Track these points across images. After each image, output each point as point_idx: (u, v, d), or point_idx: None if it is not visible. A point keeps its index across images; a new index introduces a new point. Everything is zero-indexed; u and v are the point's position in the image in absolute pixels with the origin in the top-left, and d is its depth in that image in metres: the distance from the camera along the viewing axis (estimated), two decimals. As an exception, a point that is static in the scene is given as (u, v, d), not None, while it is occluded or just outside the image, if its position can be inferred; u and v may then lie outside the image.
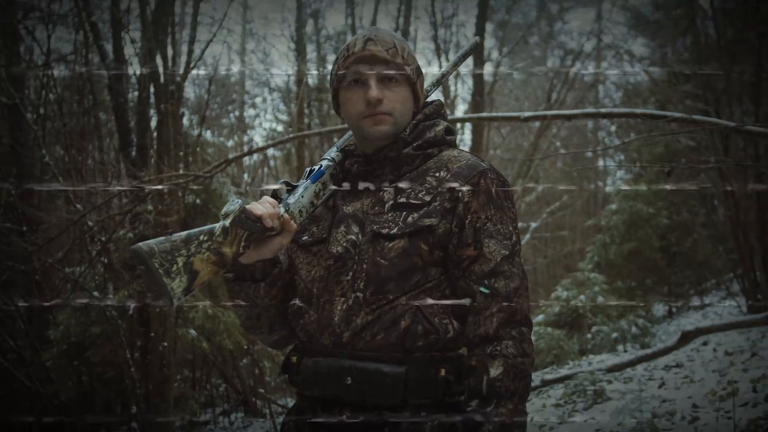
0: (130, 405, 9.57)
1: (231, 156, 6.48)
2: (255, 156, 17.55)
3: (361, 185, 2.11)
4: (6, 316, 9.67)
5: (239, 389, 11.26)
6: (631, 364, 7.96)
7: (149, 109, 10.08)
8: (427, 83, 2.37)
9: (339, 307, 2.00)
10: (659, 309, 15.37)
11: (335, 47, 16.06)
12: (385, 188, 2.07)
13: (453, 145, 2.19)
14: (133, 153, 10.44)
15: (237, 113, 21.10)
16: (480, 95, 13.87)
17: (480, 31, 13.72)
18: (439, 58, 16.56)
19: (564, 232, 20.97)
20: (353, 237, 2.04)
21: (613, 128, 20.48)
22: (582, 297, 12.00)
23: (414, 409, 1.95)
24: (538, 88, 20.89)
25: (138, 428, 8.84)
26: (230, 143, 18.96)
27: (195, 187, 8.53)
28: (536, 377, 8.27)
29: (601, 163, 18.54)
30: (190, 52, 9.99)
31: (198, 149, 10.93)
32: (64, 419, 9.03)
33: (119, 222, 7.50)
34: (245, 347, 10.17)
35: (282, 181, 2.11)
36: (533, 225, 19.83)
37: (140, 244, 1.83)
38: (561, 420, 6.29)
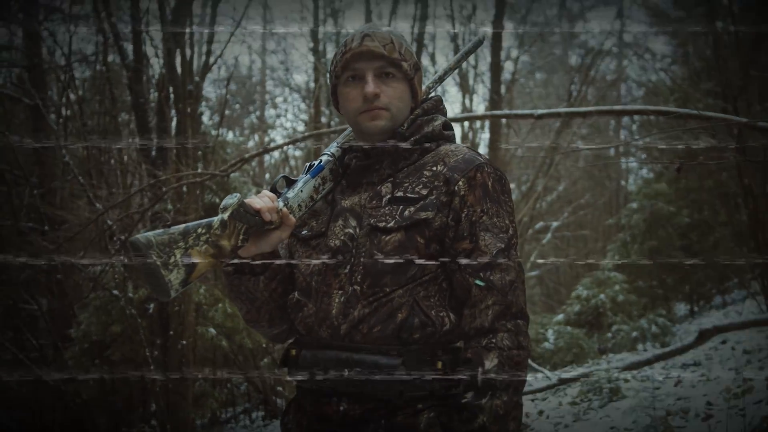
0: (149, 403, 9.64)
1: (247, 155, 6.51)
2: (276, 155, 17.61)
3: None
4: (29, 315, 9.78)
5: (260, 388, 11.31)
6: (649, 362, 7.94)
7: (169, 109, 10.14)
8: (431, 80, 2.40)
9: (337, 300, 2.02)
10: (680, 308, 15.29)
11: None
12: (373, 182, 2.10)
13: (451, 139, 2.20)
14: (153, 153, 10.51)
15: (258, 113, 21.18)
16: (497, 93, 13.85)
17: (497, 30, 13.71)
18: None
19: (586, 231, 20.87)
20: (351, 231, 2.06)
21: (634, 127, 20.39)
22: (602, 296, 11.96)
23: (411, 401, 1.97)
24: (559, 87, 20.85)
25: (158, 426, 8.90)
26: (251, 143, 19.04)
27: (212, 186, 8.60)
28: (554, 376, 8.27)
29: (613, 160, 18.40)
30: (209, 52, 10.05)
31: (218, 149, 10.99)
32: (86, 416, 9.12)
33: (138, 220, 7.57)
34: (264, 346, 10.22)
35: (281, 175, 2.14)
36: (555, 224, 19.74)
37: (138, 236, 1.85)
38: (576, 418, 6.30)
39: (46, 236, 9.19)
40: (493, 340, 1.92)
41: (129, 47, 10.69)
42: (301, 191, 2.10)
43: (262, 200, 2.00)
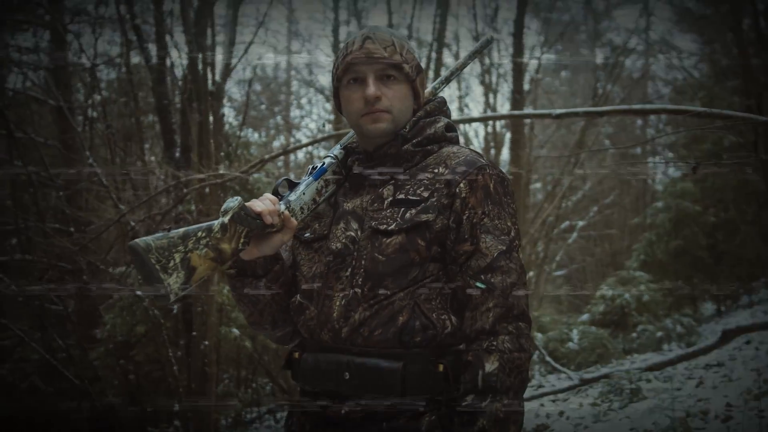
0: (172, 403, 9.69)
1: (267, 156, 6.55)
2: (300, 155, 17.65)
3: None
4: (55, 316, 9.87)
5: (285, 388, 11.33)
6: (672, 363, 7.89)
7: (191, 111, 10.17)
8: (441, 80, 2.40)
9: (338, 303, 2.02)
10: (708, 308, 15.17)
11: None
12: (375, 177, 2.11)
13: (454, 141, 2.20)
14: (177, 154, 10.55)
15: (283, 114, 21.21)
16: (519, 92, 13.79)
17: (519, 29, 13.65)
18: (481, 58, 16.32)
19: (612, 231, 20.75)
20: (352, 233, 2.06)
21: (661, 125, 20.23)
22: (627, 296, 11.89)
23: (413, 404, 1.96)
24: (585, 85, 20.70)
25: (181, 426, 8.94)
26: (276, 143, 19.08)
27: (235, 186, 8.63)
28: (576, 376, 8.24)
29: (640, 161, 18.25)
30: (229, 53, 10.06)
31: (242, 150, 11.02)
32: (111, 417, 9.19)
33: (160, 222, 7.61)
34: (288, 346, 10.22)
35: (284, 178, 2.14)
36: (580, 223, 19.64)
37: (137, 240, 1.86)
38: (596, 419, 6.27)
39: (71, 237, 9.27)
40: (494, 343, 1.92)
41: (153, 49, 10.75)
42: (303, 194, 2.10)
43: (263, 203, 2.00)
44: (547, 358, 9.50)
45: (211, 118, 9.04)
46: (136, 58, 11.50)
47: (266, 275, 2.12)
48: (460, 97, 17.47)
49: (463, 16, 34.59)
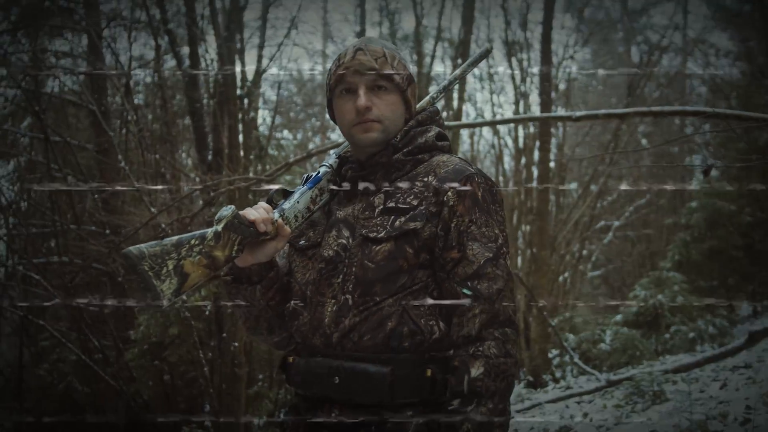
0: (203, 404, 9.80)
1: (291, 159, 6.62)
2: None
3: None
4: (91, 317, 10.02)
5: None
6: (699, 364, 7.83)
7: (222, 114, 10.28)
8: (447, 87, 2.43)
9: (329, 309, 2.06)
10: (744, 308, 14.98)
11: (410, 48, 16.08)
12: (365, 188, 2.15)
13: (445, 150, 2.23)
14: (210, 157, 10.67)
15: (319, 115, 21.28)
16: (547, 94, 13.74)
17: (547, 30, 13.57)
18: (509, 60, 16.13)
19: (649, 231, 20.57)
20: (344, 241, 2.11)
21: (698, 123, 20.00)
22: (660, 296, 11.77)
23: (401, 408, 2.00)
24: (620, 85, 20.54)
25: (211, 427, 9.04)
26: (312, 145, 19.17)
27: (267, 188, 8.69)
28: (603, 377, 8.21)
29: (675, 164, 18.03)
30: (260, 57, 10.16)
31: (277, 152, 11.10)
32: (146, 417, 9.31)
33: (188, 224, 7.71)
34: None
35: (278, 187, 2.19)
36: (616, 223, 19.49)
37: (131, 248, 1.92)
38: (618, 421, 6.25)
39: (105, 240, 9.41)
40: (480, 349, 1.95)
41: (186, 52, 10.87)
42: (298, 202, 2.15)
43: (257, 211, 2.05)
44: (576, 360, 9.47)
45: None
46: (172, 62, 11.65)
47: (261, 282, 2.17)
48: (492, 93, 17.42)
49: (496, 17, 34.43)
